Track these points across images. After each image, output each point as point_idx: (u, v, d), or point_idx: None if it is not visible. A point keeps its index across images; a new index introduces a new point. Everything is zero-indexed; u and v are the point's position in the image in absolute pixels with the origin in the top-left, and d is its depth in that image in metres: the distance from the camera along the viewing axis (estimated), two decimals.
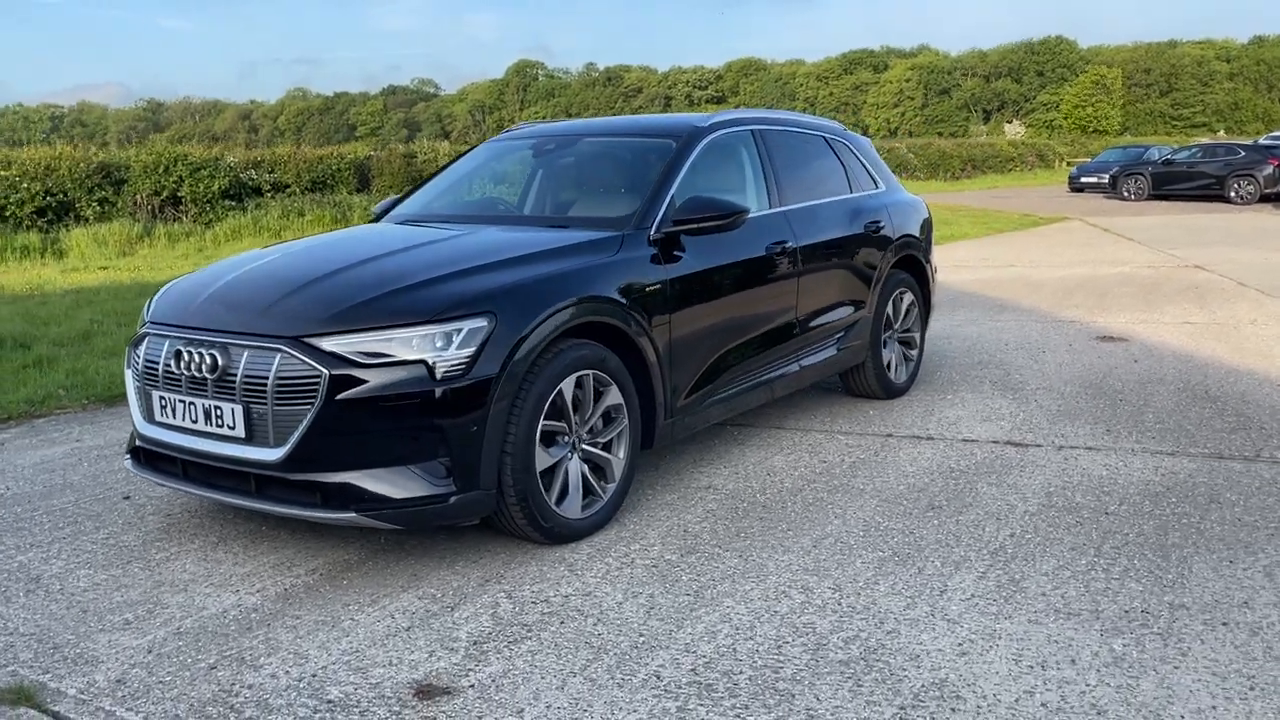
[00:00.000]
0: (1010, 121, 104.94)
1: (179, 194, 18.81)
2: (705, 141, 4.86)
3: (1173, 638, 3.07)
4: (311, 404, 3.44)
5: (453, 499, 3.52)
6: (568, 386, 3.82)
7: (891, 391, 6.03)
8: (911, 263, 6.20)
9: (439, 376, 3.47)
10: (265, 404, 3.51)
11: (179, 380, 3.74)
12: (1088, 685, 2.81)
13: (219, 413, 3.62)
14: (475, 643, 3.13)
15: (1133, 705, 2.70)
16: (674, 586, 3.51)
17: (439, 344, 3.49)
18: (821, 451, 5.07)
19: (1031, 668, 2.91)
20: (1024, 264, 13.29)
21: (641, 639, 3.13)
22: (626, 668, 2.95)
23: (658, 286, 4.23)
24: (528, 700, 2.79)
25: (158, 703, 2.82)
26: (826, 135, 5.89)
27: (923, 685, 2.83)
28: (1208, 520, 4.03)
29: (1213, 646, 3.01)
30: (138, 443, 4.00)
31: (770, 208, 5.10)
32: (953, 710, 2.70)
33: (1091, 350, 7.42)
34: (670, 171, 4.61)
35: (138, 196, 18.44)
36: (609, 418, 4.08)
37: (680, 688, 2.84)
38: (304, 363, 3.45)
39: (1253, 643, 3.03)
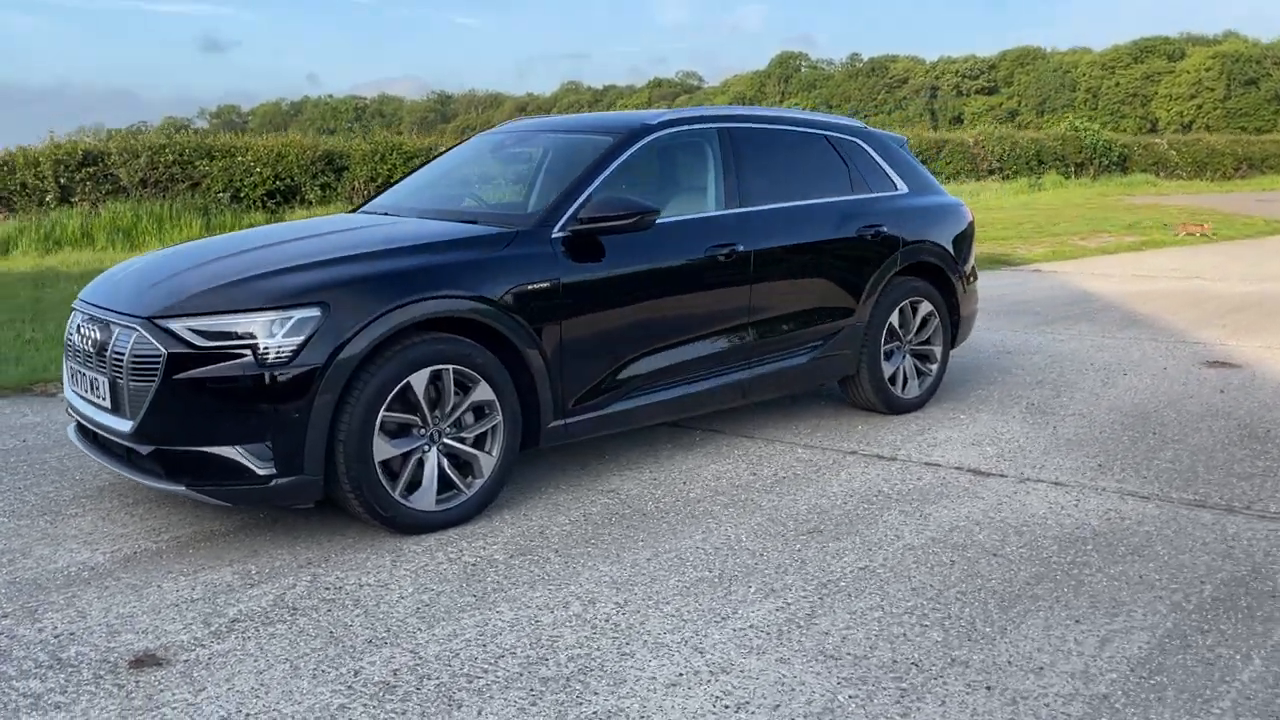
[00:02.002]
0: None
1: (392, 180, 20.06)
2: (646, 140, 4.77)
3: (912, 695, 2.80)
4: (154, 380, 3.68)
5: (274, 482, 3.67)
6: (419, 380, 3.88)
7: (895, 406, 5.68)
8: (931, 271, 5.81)
9: (264, 363, 3.62)
10: (124, 378, 3.78)
11: (79, 353, 4.09)
12: None
13: (97, 384, 3.94)
14: (234, 621, 3.27)
15: None
16: (469, 587, 3.52)
17: (267, 332, 3.65)
18: (763, 463, 4.88)
19: (727, 708, 2.74)
20: (1212, 276, 12.04)
21: (383, 635, 3.17)
22: (338, 661, 3.01)
23: (547, 285, 4.21)
24: (217, 680, 2.89)
25: None
26: (831, 134, 5.61)
27: (594, 712, 2.72)
28: (1102, 574, 3.60)
29: (948, 709, 2.72)
30: (69, 410, 4.40)
31: (725, 209, 4.93)
32: None
33: (1184, 376, 6.68)
34: (594, 169, 4.56)
35: (355, 182, 19.85)
36: (481, 413, 4.10)
37: (366, 687, 2.86)
38: (151, 342, 3.70)
39: (997, 713, 2.71)
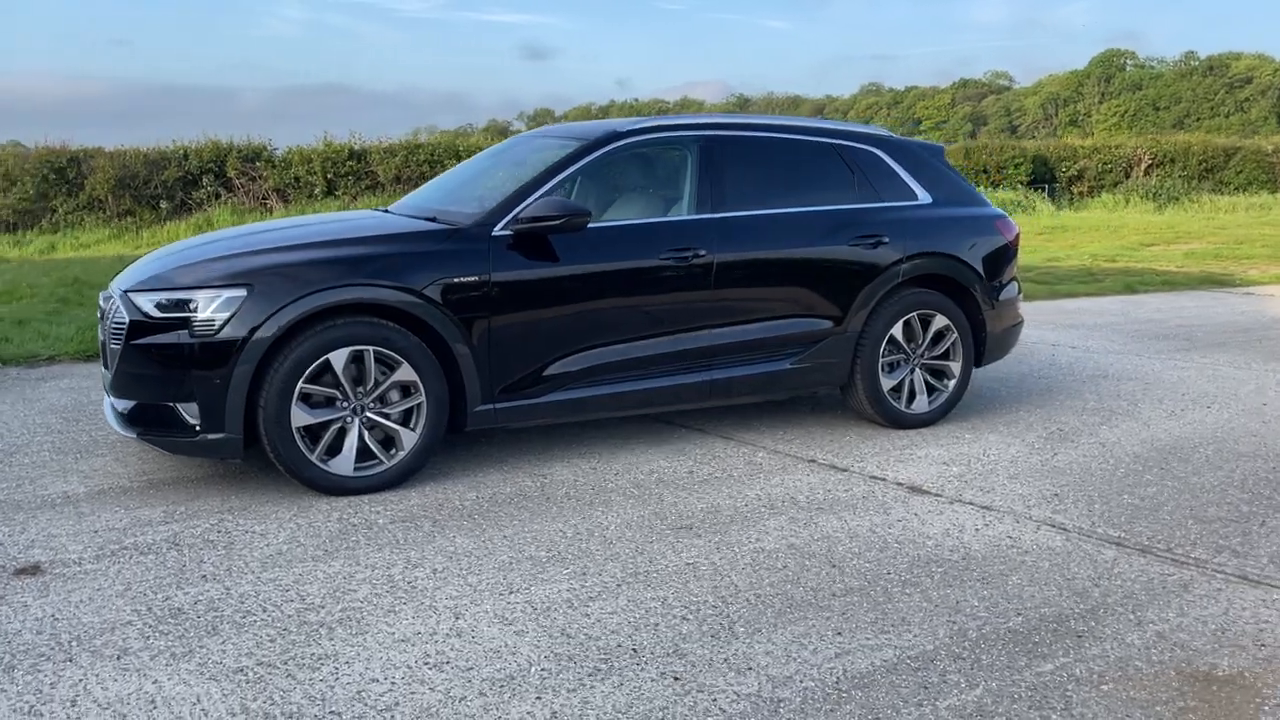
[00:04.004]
0: None
1: None
2: (611, 148, 5.01)
3: (599, 675, 2.96)
4: (121, 342, 4.38)
5: (200, 436, 4.27)
6: (338, 358, 4.35)
7: (898, 420, 5.59)
8: (947, 284, 5.66)
9: (196, 334, 4.23)
10: (108, 340, 4.52)
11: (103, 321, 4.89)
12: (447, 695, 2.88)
13: (103, 345, 4.71)
14: (122, 548, 3.87)
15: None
16: (331, 543, 3.95)
17: (202, 308, 4.25)
18: (710, 462, 5.01)
19: (426, 664, 3.01)
20: None
21: (220, 572, 3.67)
22: (162, 588, 3.53)
23: (475, 280, 4.57)
24: (62, 591, 3.49)
25: None
26: (841, 143, 5.59)
27: (311, 654, 3.08)
28: (921, 595, 3.54)
29: (619, 691, 2.87)
30: None
31: (696, 214, 5.09)
32: (294, 673, 2.95)
33: (1276, 413, 6.09)
34: (550, 172, 4.88)
35: None
36: (407, 392, 4.53)
37: (160, 610, 3.36)
38: (122, 311, 4.40)
39: (658, 699, 2.83)
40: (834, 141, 5.59)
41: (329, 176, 19.60)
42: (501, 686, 2.89)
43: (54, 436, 5.38)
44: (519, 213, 4.70)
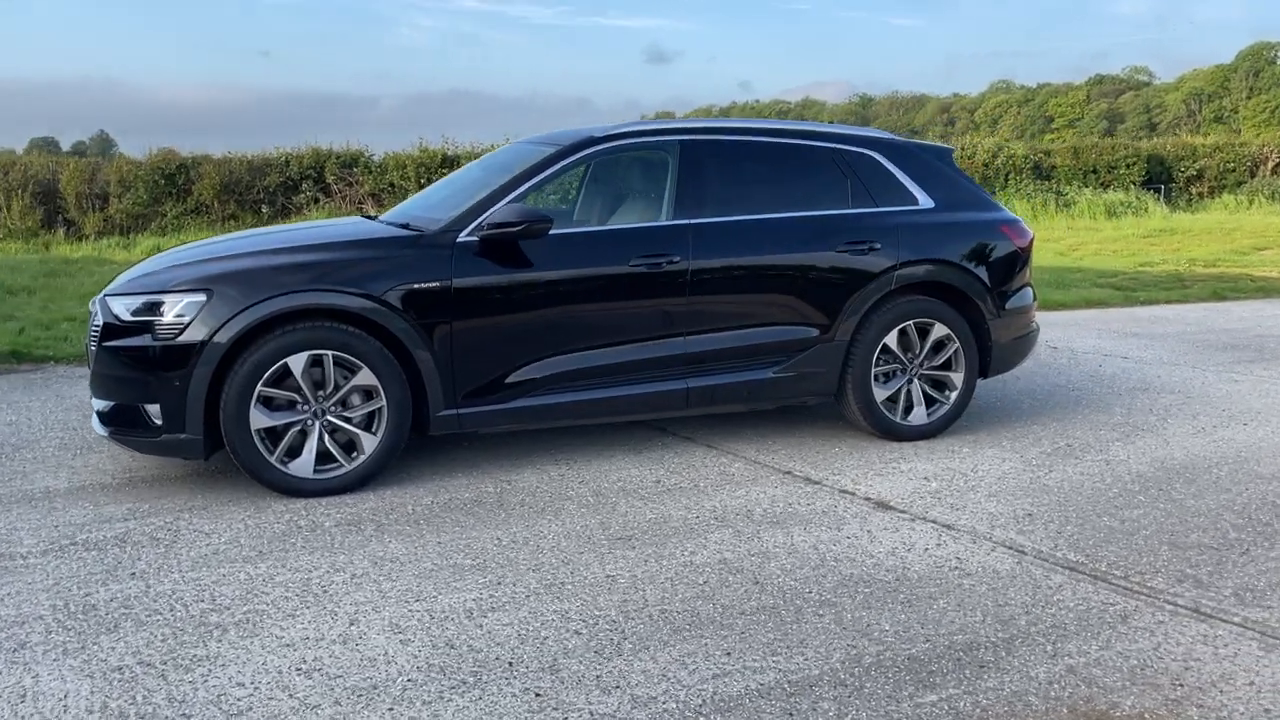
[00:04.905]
0: None
1: None
2: (585, 154, 4.98)
3: (462, 688, 2.94)
4: (96, 345, 4.56)
5: (161, 436, 4.40)
6: (297, 362, 4.43)
7: (894, 432, 5.41)
8: (948, 291, 5.45)
9: (159, 337, 4.37)
10: (89, 342, 4.71)
11: None
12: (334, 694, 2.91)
13: (87, 347, 4.91)
14: (72, 544, 4.01)
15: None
16: (269, 544, 4.02)
17: (165, 312, 4.38)
18: (684, 472, 4.93)
19: (298, 670, 3.04)
20: None
21: (151, 570, 3.77)
22: (89, 585, 3.64)
23: (436, 286, 4.60)
24: (7, 575, 3.65)
25: None
26: (836, 146, 5.43)
27: (194, 655, 3.13)
28: (832, 616, 3.41)
29: (476, 705, 2.84)
30: None
31: (673, 220, 5.01)
32: (167, 674, 3.01)
33: None
34: (520, 179, 4.88)
35: None
36: (368, 396, 4.59)
37: (75, 606, 3.46)
38: (98, 314, 4.58)
39: (509, 715, 2.80)
40: (826, 145, 5.44)
41: (422, 181, 20.03)
42: (359, 696, 2.89)
43: (66, 433, 5.63)
44: (485, 219, 4.70)
